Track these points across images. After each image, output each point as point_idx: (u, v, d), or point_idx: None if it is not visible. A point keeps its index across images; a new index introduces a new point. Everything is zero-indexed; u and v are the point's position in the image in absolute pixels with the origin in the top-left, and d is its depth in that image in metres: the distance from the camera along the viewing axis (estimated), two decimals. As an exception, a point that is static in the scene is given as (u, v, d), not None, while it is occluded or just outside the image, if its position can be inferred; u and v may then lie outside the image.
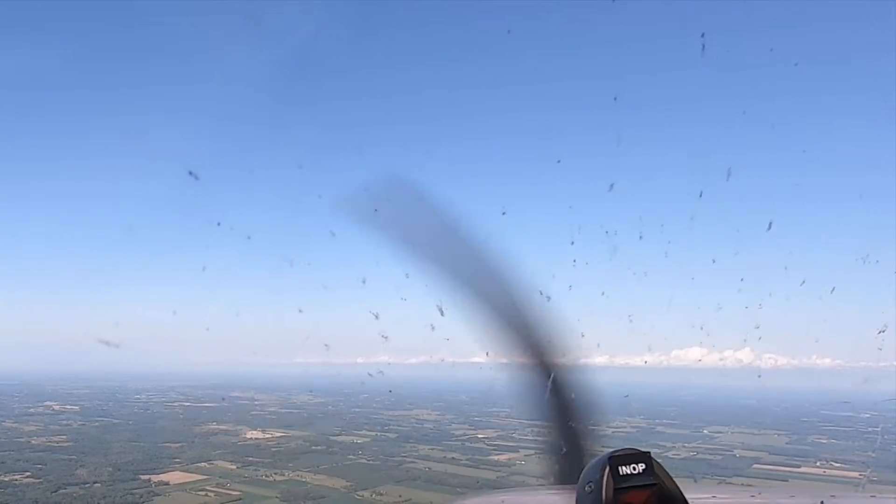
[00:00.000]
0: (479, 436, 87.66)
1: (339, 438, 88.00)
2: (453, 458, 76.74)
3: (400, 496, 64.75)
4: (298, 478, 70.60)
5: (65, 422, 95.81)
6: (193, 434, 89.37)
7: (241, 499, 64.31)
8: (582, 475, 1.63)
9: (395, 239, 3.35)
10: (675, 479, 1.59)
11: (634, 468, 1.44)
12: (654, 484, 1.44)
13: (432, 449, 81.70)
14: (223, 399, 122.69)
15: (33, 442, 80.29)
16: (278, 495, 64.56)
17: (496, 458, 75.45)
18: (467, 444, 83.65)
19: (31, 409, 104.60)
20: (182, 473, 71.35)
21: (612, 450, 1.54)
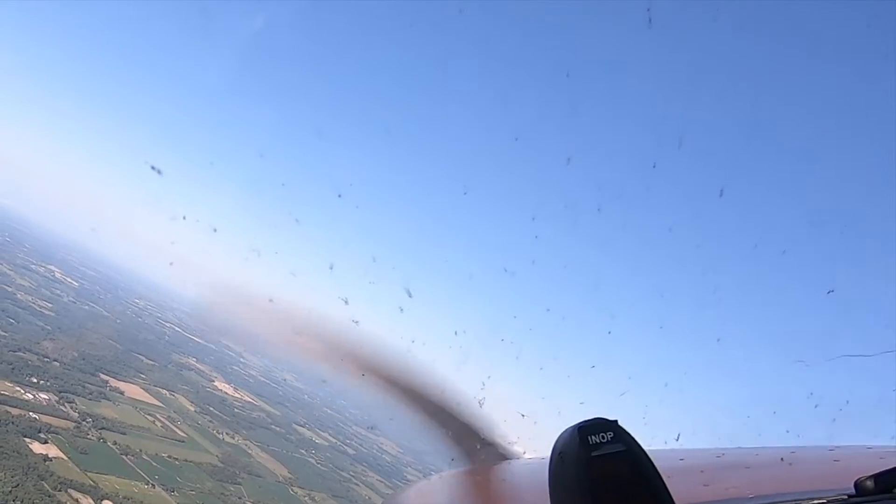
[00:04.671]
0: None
1: (301, 430, 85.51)
2: (397, 500, 73.69)
3: (330, 510, 62.40)
4: (246, 447, 68.40)
5: (58, 292, 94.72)
6: (170, 360, 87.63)
7: (183, 441, 62.13)
8: (553, 446, 1.63)
9: None
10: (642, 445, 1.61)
11: (603, 436, 1.51)
12: (624, 450, 1.56)
13: (380, 481, 78.82)
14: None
15: (18, 296, 79.14)
16: (219, 455, 62.46)
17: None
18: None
19: (33, 266, 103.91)
20: (141, 391, 69.47)
21: (580, 421, 1.58)
